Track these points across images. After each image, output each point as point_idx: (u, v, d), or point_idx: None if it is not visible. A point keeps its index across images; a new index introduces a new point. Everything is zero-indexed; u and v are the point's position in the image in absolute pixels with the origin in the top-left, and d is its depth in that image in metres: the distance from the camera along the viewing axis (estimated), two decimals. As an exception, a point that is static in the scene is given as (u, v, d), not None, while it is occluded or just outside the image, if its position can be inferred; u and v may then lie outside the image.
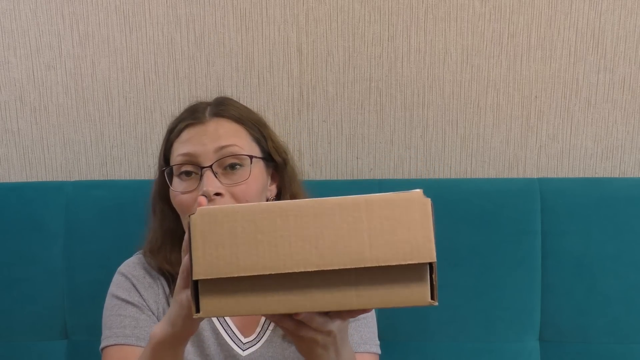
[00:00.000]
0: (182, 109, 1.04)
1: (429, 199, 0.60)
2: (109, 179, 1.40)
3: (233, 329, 0.98)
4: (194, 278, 0.61)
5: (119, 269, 1.03)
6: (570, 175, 1.35)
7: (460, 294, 1.20)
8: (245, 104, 1.34)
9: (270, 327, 0.99)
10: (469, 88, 1.33)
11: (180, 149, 0.97)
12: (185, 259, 0.69)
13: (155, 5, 1.33)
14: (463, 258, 1.20)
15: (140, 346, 0.93)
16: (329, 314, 0.68)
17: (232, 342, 0.97)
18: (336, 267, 0.59)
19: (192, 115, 0.99)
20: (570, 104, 1.33)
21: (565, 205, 1.20)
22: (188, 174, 0.95)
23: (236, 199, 0.93)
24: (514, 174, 1.36)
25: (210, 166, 0.93)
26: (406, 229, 0.60)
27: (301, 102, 1.35)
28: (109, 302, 1.00)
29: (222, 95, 1.34)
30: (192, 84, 1.35)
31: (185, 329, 0.74)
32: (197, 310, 0.62)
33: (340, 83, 1.34)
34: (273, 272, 0.60)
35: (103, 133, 1.39)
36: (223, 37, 1.33)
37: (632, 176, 1.35)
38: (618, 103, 1.32)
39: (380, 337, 1.02)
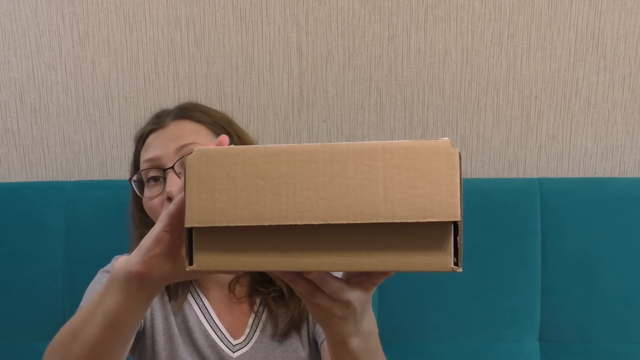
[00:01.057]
0: None
1: (457, 149, 0.52)
2: (109, 179, 1.40)
3: (222, 331, 0.99)
4: (187, 225, 0.54)
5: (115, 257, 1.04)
6: (570, 175, 1.35)
7: (460, 294, 1.20)
8: (245, 104, 1.35)
9: (259, 329, 0.99)
10: (469, 88, 1.33)
11: (144, 155, 0.98)
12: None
13: (155, 5, 1.33)
14: (463, 258, 1.20)
15: None
16: (349, 282, 0.61)
17: (222, 344, 0.98)
18: (344, 222, 0.52)
19: (155, 121, 1.00)
20: (570, 104, 1.33)
21: (565, 205, 1.20)
22: (155, 179, 0.96)
23: None
24: (514, 174, 1.36)
25: (172, 167, 0.93)
26: (428, 183, 0.52)
27: (301, 102, 1.35)
28: (97, 276, 1.00)
29: (223, 94, 1.35)
30: (192, 84, 1.35)
31: (150, 256, 0.63)
32: (191, 263, 0.55)
33: (340, 83, 1.34)
34: (273, 224, 0.53)
35: (103, 133, 1.39)
36: (223, 37, 1.33)
37: (632, 176, 1.35)
38: (618, 103, 1.32)
39: (380, 337, 1.02)
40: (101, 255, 1.22)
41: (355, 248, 0.54)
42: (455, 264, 0.54)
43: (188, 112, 1.00)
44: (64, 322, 1.24)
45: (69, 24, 1.34)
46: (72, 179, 1.40)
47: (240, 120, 1.35)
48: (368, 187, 0.52)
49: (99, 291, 0.69)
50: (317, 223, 0.53)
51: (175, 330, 0.98)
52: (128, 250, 1.07)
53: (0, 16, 1.35)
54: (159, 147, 0.96)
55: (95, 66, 1.36)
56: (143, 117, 1.37)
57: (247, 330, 0.99)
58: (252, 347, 0.98)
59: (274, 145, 0.54)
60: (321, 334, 0.97)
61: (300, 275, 0.59)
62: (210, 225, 0.54)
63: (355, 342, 0.66)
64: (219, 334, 0.98)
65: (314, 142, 1.36)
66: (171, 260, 0.65)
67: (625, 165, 1.35)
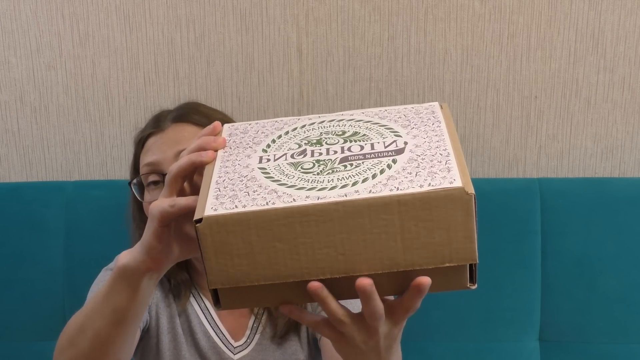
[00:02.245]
0: None
1: (472, 194, 0.52)
2: (109, 179, 1.40)
3: (223, 332, 0.99)
4: (210, 287, 0.56)
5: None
6: (570, 175, 1.35)
7: (460, 294, 1.20)
8: (245, 104, 1.36)
9: (259, 331, 0.99)
10: (469, 88, 1.33)
11: (144, 159, 0.97)
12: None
13: (155, 5, 1.33)
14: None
15: None
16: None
17: (224, 346, 0.98)
18: (365, 273, 0.54)
19: (154, 124, 1.00)
20: (570, 104, 1.33)
21: (565, 205, 1.20)
22: (155, 183, 0.95)
23: None
24: (514, 174, 1.36)
25: None
26: (445, 231, 0.53)
27: (301, 102, 1.35)
28: (100, 274, 0.99)
29: (223, 94, 1.35)
30: (192, 84, 1.35)
31: (155, 252, 0.63)
32: (218, 303, 0.58)
33: (340, 83, 1.34)
34: (296, 280, 0.55)
35: (103, 133, 1.39)
36: (223, 37, 1.33)
37: (632, 176, 1.35)
38: (618, 103, 1.32)
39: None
40: (101, 255, 1.22)
41: (377, 286, 0.56)
42: (471, 280, 0.57)
43: (187, 115, 0.99)
44: (64, 322, 1.23)
45: (69, 24, 1.34)
46: (72, 179, 1.40)
47: (240, 120, 1.35)
48: (386, 241, 0.54)
49: (104, 288, 0.69)
50: (340, 276, 0.55)
51: (180, 330, 0.98)
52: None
53: (0, 16, 1.35)
54: (158, 152, 0.96)
55: (95, 66, 1.36)
56: (143, 117, 1.37)
57: (248, 333, 0.99)
58: (252, 349, 0.98)
59: (284, 206, 0.54)
60: None
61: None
62: (233, 286, 0.56)
63: None
64: (220, 335, 0.99)
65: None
66: (176, 246, 0.65)
67: (625, 165, 1.35)
